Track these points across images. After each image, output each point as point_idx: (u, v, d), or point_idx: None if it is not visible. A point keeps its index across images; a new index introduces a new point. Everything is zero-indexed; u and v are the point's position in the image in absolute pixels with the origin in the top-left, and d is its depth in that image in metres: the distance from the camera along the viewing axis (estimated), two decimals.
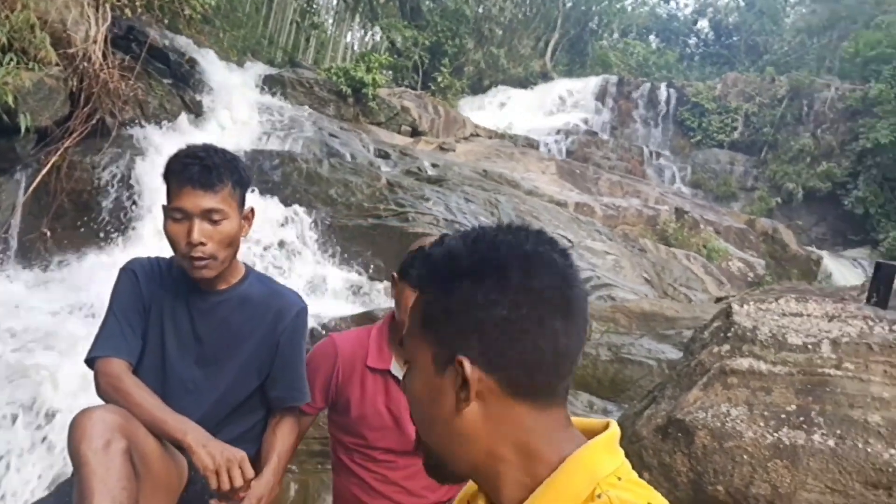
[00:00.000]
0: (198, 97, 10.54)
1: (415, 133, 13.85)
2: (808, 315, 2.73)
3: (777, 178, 17.89)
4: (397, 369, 2.04)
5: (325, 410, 2.17)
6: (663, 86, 20.72)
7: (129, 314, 1.97)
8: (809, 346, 2.60)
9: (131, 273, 2.02)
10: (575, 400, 4.20)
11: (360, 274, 7.76)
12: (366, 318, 5.66)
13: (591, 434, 0.99)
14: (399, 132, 13.42)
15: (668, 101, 20.15)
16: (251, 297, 2.03)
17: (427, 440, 1.02)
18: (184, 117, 9.96)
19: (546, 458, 0.95)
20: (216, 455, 1.76)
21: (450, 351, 0.95)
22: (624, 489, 0.93)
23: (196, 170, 1.89)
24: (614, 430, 1.00)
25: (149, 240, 6.79)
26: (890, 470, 2.32)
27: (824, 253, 13.78)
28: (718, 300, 8.52)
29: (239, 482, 1.77)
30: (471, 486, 1.12)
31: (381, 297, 7.29)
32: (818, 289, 10.34)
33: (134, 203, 7.17)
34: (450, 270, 0.96)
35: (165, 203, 1.94)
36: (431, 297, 0.98)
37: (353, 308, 6.70)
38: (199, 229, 1.87)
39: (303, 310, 2.08)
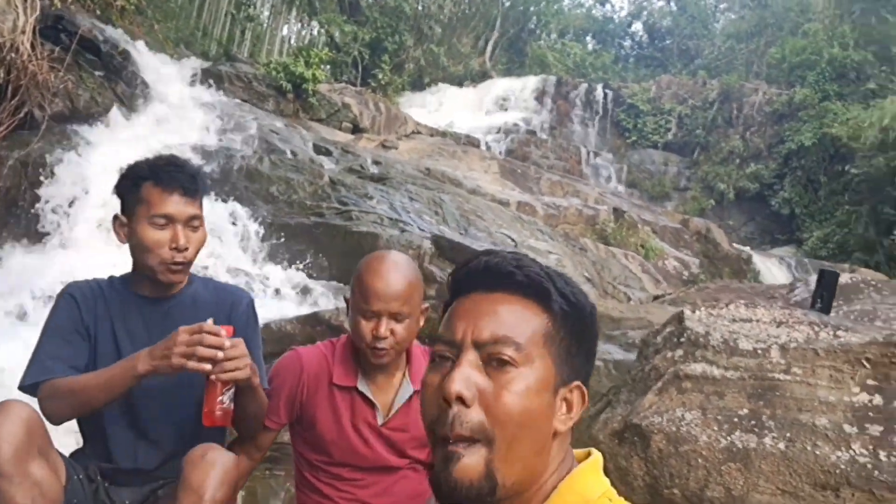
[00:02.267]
0: (131, 90, 10.21)
1: (356, 130, 13.73)
2: (758, 320, 2.81)
3: (709, 178, 18.44)
4: (364, 385, 2.00)
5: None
6: (600, 87, 21.10)
7: (67, 334, 1.96)
8: (759, 352, 2.67)
9: (69, 297, 2.01)
10: None
11: (303, 273, 7.64)
12: (312, 320, 5.57)
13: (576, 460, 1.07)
14: (340, 129, 13.28)
15: (604, 102, 20.53)
16: (201, 297, 2.07)
17: (514, 445, 0.95)
18: (116, 111, 9.63)
19: (553, 483, 1.01)
20: (174, 350, 1.73)
21: (570, 375, 1.02)
22: None
23: (183, 177, 1.95)
24: (598, 456, 1.07)
25: (86, 241, 6.52)
26: (837, 472, 2.40)
27: (753, 252, 14.26)
28: (656, 298, 8.73)
29: (218, 340, 1.74)
30: None
31: (325, 298, 7.19)
32: (749, 287, 10.66)
33: (69, 201, 6.88)
34: (580, 302, 1.04)
35: (130, 209, 1.95)
36: (564, 319, 1.02)
37: (297, 309, 6.59)
38: (184, 235, 1.93)
39: (251, 301, 2.13)
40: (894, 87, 16.65)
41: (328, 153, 10.72)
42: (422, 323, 2.00)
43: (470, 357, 0.97)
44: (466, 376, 0.96)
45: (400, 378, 2.03)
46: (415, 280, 1.96)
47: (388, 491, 2.02)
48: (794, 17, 23.22)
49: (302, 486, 2.04)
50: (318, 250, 7.92)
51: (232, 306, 2.07)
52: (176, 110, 10.32)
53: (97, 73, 9.75)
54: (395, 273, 1.92)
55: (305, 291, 7.35)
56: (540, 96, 20.73)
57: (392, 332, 1.91)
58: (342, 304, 7.12)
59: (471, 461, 0.94)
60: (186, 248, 1.94)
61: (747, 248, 14.19)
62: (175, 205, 1.93)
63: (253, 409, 1.95)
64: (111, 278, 2.10)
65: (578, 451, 1.07)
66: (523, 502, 1.00)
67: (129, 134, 9.14)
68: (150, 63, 10.97)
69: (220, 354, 1.74)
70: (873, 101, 16.33)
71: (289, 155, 9.78)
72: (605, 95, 20.59)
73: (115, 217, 2.02)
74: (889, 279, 10.23)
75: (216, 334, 1.75)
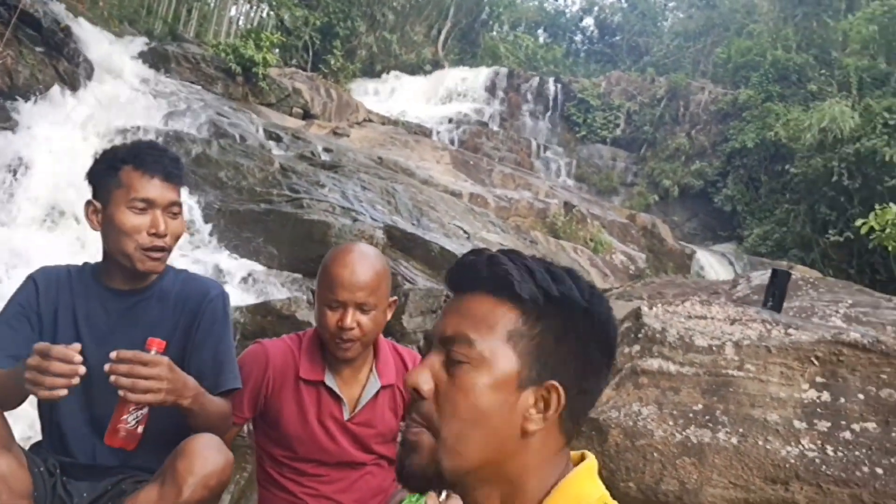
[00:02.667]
0: (73, 68, 9.86)
1: (307, 116, 13.53)
2: (712, 318, 2.87)
3: (655, 174, 18.78)
4: (331, 380, 1.97)
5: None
6: (551, 80, 21.25)
7: (14, 320, 1.91)
8: (714, 348, 2.73)
9: (30, 282, 1.98)
10: None
11: (252, 262, 7.51)
12: (262, 309, 5.49)
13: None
14: (290, 114, 13.07)
15: (555, 96, 20.68)
16: (168, 291, 2.00)
17: (451, 436, 0.98)
18: (57, 89, 9.29)
19: (544, 486, 1.00)
20: (24, 374, 1.62)
21: (544, 373, 0.98)
22: None
23: (166, 161, 1.90)
24: (593, 460, 1.06)
25: (29, 221, 6.28)
26: (787, 466, 2.48)
27: (696, 247, 14.60)
28: (604, 292, 8.87)
29: (61, 352, 1.61)
30: None
31: (275, 288, 7.09)
32: (693, 282, 10.92)
33: (6, 180, 6.61)
34: (566, 298, 0.99)
35: (106, 194, 1.89)
36: (540, 316, 0.99)
37: (245, 297, 6.47)
38: (164, 221, 1.89)
39: (220, 294, 2.04)
40: (833, 91, 17.20)
41: (278, 139, 10.54)
42: (389, 316, 1.97)
43: (436, 353, 1.02)
44: (427, 370, 1.01)
45: (367, 373, 2.01)
46: (382, 271, 1.94)
47: (353, 487, 2.00)
48: (740, 19, 23.78)
49: (264, 483, 2.00)
50: (268, 238, 7.78)
51: (200, 300, 1.99)
52: (121, 90, 10.02)
53: (38, 49, 9.38)
54: (363, 263, 1.90)
55: (254, 280, 7.22)
56: (491, 88, 20.78)
57: (358, 323, 1.88)
58: (293, 294, 7.03)
59: (419, 447, 0.99)
60: (165, 235, 1.89)
61: (691, 245, 14.53)
62: (156, 189, 1.89)
63: (201, 425, 1.88)
64: (84, 265, 2.04)
65: (573, 454, 1.05)
66: (504, 498, 1.00)
67: (72, 113, 8.83)
68: (94, 40, 10.61)
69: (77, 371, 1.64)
70: (813, 104, 16.86)
71: (238, 140, 9.59)
72: (556, 89, 20.75)
73: (89, 202, 1.94)
74: (824, 276, 10.61)
75: (133, 361, 1.67)
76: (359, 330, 1.88)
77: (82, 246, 6.96)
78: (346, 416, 1.98)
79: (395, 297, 2.04)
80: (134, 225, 1.87)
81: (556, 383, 0.98)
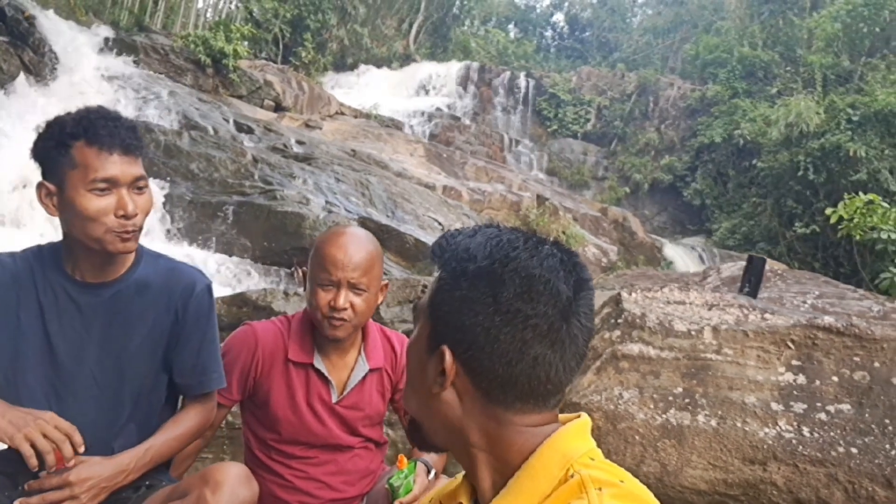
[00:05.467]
0: (38, 58, 9.67)
1: (278, 108, 13.43)
2: (691, 303, 2.91)
3: (625, 168, 18.98)
4: (320, 362, 1.97)
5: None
6: (522, 75, 21.34)
7: None
8: (693, 333, 2.77)
9: None
10: None
11: (225, 253, 7.45)
12: (238, 301, 5.43)
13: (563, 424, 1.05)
14: (262, 107, 12.96)
15: (526, 91, 20.77)
16: (149, 281, 1.80)
17: (407, 404, 1.08)
18: (23, 78, 9.11)
19: (518, 446, 0.99)
20: (18, 421, 1.53)
21: (440, 337, 1.00)
22: (596, 468, 0.97)
23: (123, 132, 1.65)
24: (585, 419, 1.06)
25: None
26: (765, 447, 2.53)
27: (666, 240, 14.78)
28: None
29: (58, 436, 1.56)
30: (445, 486, 1.13)
31: (249, 278, 7.04)
32: (664, 274, 11.05)
33: None
34: (461, 265, 1.00)
35: (59, 175, 1.64)
36: (442, 282, 1.02)
37: (220, 289, 6.42)
38: (132, 199, 1.66)
39: (206, 287, 1.86)
40: (798, 87, 17.51)
41: (250, 131, 10.45)
42: (381, 299, 1.97)
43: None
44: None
45: (355, 356, 2.01)
46: (375, 253, 1.93)
47: (341, 469, 2.00)
48: (708, 16, 24.09)
49: (252, 465, 1.98)
50: (241, 230, 7.73)
51: (184, 292, 1.81)
52: (88, 81, 9.85)
53: (1, 38, 9.19)
54: (356, 244, 1.89)
55: (228, 271, 7.17)
56: (463, 82, 20.79)
57: (351, 304, 1.87)
58: (267, 285, 6.98)
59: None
60: (135, 214, 1.66)
61: (661, 238, 14.71)
62: (116, 166, 1.63)
63: (174, 455, 1.85)
64: (39, 251, 1.78)
65: (566, 416, 1.05)
66: (464, 463, 1.04)
67: (38, 102, 8.67)
68: (60, 30, 10.42)
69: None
70: (779, 100, 17.15)
71: (210, 132, 9.49)
72: (528, 84, 20.84)
73: (41, 185, 1.68)
74: (790, 268, 10.82)
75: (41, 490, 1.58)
76: (351, 311, 1.88)
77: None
78: (334, 399, 1.98)
79: (387, 281, 2.04)
80: (99, 208, 1.63)
81: (444, 347, 0.98)
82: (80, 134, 1.63)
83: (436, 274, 1.05)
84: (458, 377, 0.98)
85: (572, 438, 1.00)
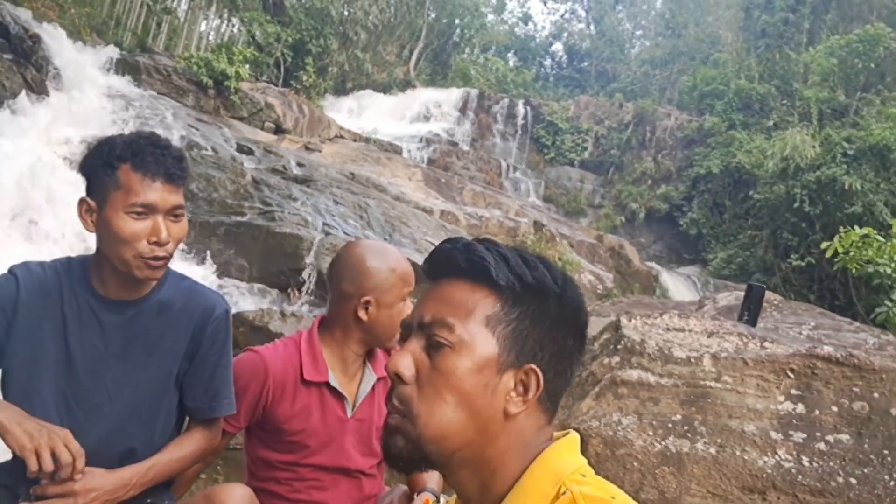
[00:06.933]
0: (41, 76, 9.73)
1: (278, 131, 13.50)
2: (690, 330, 2.92)
3: (622, 197, 19.05)
4: (334, 380, 1.97)
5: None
6: (521, 103, 21.48)
7: None
8: (692, 360, 2.78)
9: (11, 275, 1.76)
10: None
11: (222, 274, 7.44)
12: (235, 321, 5.43)
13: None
14: (262, 129, 13.03)
15: (525, 118, 20.91)
16: (170, 302, 1.83)
17: (433, 419, 1.00)
18: (24, 97, 9.15)
19: (521, 461, 1.02)
20: (34, 432, 1.55)
21: (522, 357, 1.01)
22: (588, 485, 0.98)
23: (169, 161, 1.70)
24: (574, 435, 1.08)
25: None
26: (764, 476, 2.52)
27: (662, 269, 14.80)
28: None
29: (67, 458, 1.56)
30: None
31: (245, 299, 7.03)
32: (660, 303, 11.00)
33: None
34: (540, 284, 1.02)
35: (102, 194, 1.69)
36: (513, 301, 1.02)
37: None
38: (166, 227, 1.70)
39: (226, 312, 1.89)
40: (794, 121, 17.67)
41: (250, 152, 10.50)
42: None
43: (416, 339, 1.04)
44: (408, 355, 1.03)
45: (361, 368, 2.03)
46: None
47: (347, 494, 2.00)
48: (705, 48, 24.36)
49: (256, 490, 1.97)
50: (239, 250, 7.73)
51: (202, 316, 1.83)
52: (90, 100, 9.90)
53: (5, 56, 9.25)
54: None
55: (225, 292, 7.16)
56: (462, 108, 20.93)
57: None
58: (264, 305, 6.96)
59: (400, 432, 1.01)
60: (167, 243, 1.70)
61: (656, 266, 14.73)
62: (158, 193, 1.68)
63: (174, 476, 1.85)
64: (70, 263, 1.82)
65: (558, 434, 1.07)
66: (485, 479, 1.02)
67: (40, 120, 8.70)
68: (63, 49, 10.50)
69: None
70: (775, 132, 17.29)
71: (210, 152, 9.53)
72: (526, 112, 20.98)
73: (82, 201, 1.73)
74: (786, 300, 10.84)
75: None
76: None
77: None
78: (349, 414, 1.99)
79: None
80: (133, 232, 1.68)
81: (534, 367, 1.00)
82: (128, 157, 1.69)
83: (476, 284, 1.02)
84: (535, 393, 1.01)
85: (563, 455, 1.02)
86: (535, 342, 1.01)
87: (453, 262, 1.04)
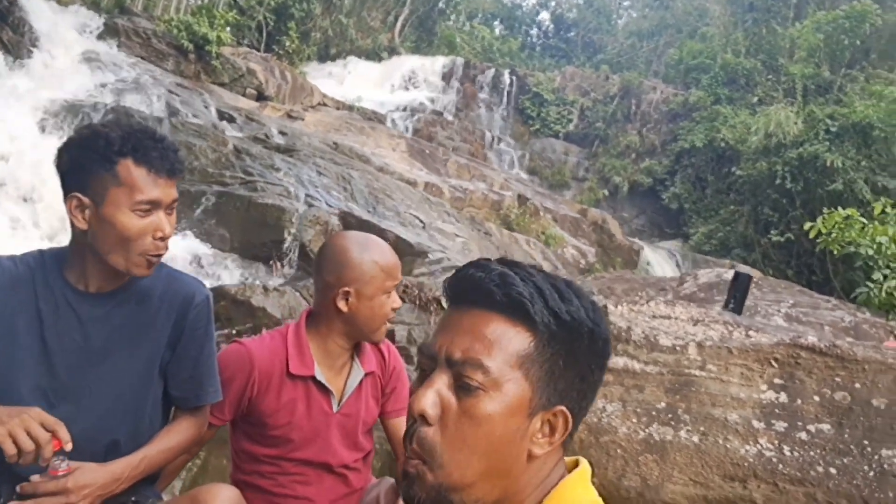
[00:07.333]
0: (18, 38, 9.48)
1: (260, 97, 13.29)
2: (676, 318, 2.92)
3: (606, 170, 19.06)
4: (320, 374, 1.95)
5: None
6: (507, 73, 21.32)
7: None
8: (678, 348, 2.78)
9: None
10: None
11: (203, 244, 7.35)
12: (216, 294, 5.38)
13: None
14: (244, 95, 12.82)
15: (510, 89, 20.76)
16: (150, 292, 1.78)
17: (457, 469, 0.94)
18: (0, 58, 8.92)
19: (539, 496, 0.99)
20: (3, 417, 1.50)
21: (553, 398, 0.96)
22: None
23: (172, 156, 1.67)
24: (586, 466, 1.04)
25: None
26: (745, 464, 2.54)
27: (644, 244, 14.87)
28: None
29: (43, 435, 1.51)
30: None
31: (227, 271, 6.96)
32: (641, 278, 11.05)
33: None
34: (576, 321, 0.97)
35: (99, 190, 1.63)
36: (551, 339, 0.96)
37: None
38: (168, 222, 1.67)
39: (206, 298, 1.86)
40: (779, 97, 17.69)
41: (232, 120, 10.33)
42: None
43: (442, 375, 0.96)
44: (434, 394, 0.95)
45: (349, 362, 2.01)
46: None
47: (331, 489, 1.99)
48: (692, 21, 24.23)
49: (240, 481, 1.95)
50: (220, 221, 7.63)
51: (184, 303, 1.80)
52: (68, 63, 9.67)
53: None
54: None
55: (205, 263, 7.08)
56: (447, 77, 20.73)
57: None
58: (246, 279, 6.91)
59: (420, 480, 0.95)
60: (170, 237, 1.69)
61: (638, 241, 14.80)
62: (162, 189, 1.65)
63: (164, 465, 1.83)
64: (42, 256, 1.76)
65: (567, 460, 1.04)
66: None
67: (16, 82, 8.50)
68: (41, 10, 10.22)
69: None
70: (759, 108, 17.32)
71: (190, 119, 9.36)
72: (512, 82, 20.83)
73: (73, 197, 1.65)
74: (765, 276, 10.94)
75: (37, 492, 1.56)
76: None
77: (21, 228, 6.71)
78: (335, 409, 1.97)
79: None
80: (140, 229, 1.64)
81: (564, 409, 0.96)
82: (129, 152, 1.63)
83: (509, 322, 0.96)
84: (558, 437, 0.98)
85: (577, 487, 1.00)
86: (566, 382, 0.96)
87: (486, 294, 0.96)
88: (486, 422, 0.93)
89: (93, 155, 1.63)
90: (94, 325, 1.73)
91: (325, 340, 1.96)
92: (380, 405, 2.09)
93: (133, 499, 1.76)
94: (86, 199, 1.64)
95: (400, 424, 2.07)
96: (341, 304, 1.90)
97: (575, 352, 0.96)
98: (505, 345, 0.94)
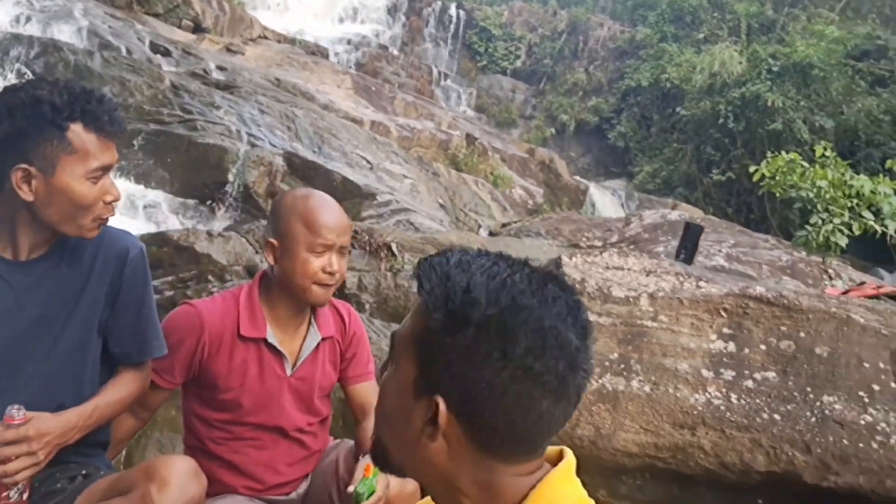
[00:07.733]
0: None
1: (197, 29, 12.70)
2: (629, 269, 2.94)
3: (553, 108, 18.99)
4: (272, 336, 1.89)
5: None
6: (453, 6, 20.81)
7: None
8: (630, 299, 2.80)
9: None
10: (389, 332, 4.24)
11: (140, 186, 7.09)
12: (158, 240, 5.19)
13: (548, 462, 1.00)
14: (180, 27, 12.23)
15: (457, 23, 20.33)
16: (80, 250, 1.73)
17: (381, 436, 1.02)
18: None
19: (509, 494, 0.94)
20: None
21: (431, 385, 0.93)
22: None
23: (119, 118, 1.62)
24: (571, 459, 1.00)
25: None
26: (695, 413, 2.61)
27: (591, 183, 14.99)
28: (504, 226, 9.00)
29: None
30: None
31: (168, 216, 6.75)
32: (588, 219, 11.15)
33: None
34: (463, 310, 0.90)
35: (47, 157, 1.54)
36: (436, 323, 0.92)
37: (137, 225, 6.12)
38: (114, 183, 1.65)
39: (141, 250, 1.83)
40: (723, 35, 17.77)
41: (167, 53, 9.87)
42: None
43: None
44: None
45: (306, 326, 1.95)
46: None
47: (287, 453, 1.95)
48: None
49: (193, 449, 1.91)
50: (159, 161, 7.36)
51: (118, 259, 1.76)
52: None
53: None
54: (336, 206, 1.90)
55: (145, 206, 6.84)
56: (392, 10, 20.15)
57: (339, 266, 1.87)
58: (187, 223, 6.71)
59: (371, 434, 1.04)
60: (119, 198, 1.66)
61: (584, 180, 14.90)
62: (112, 153, 1.63)
63: (112, 419, 1.79)
64: None
65: (551, 450, 1.00)
66: (452, 501, 0.97)
67: None
68: None
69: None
70: (705, 46, 17.39)
71: (123, 52, 8.90)
72: (459, 15, 20.39)
73: (19, 168, 1.56)
74: (706, 214, 11.18)
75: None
76: (339, 273, 1.87)
77: None
78: (288, 372, 1.92)
79: None
80: (95, 196, 1.60)
81: (438, 399, 0.91)
82: (77, 116, 1.57)
83: (420, 302, 0.95)
84: (449, 426, 0.91)
85: (561, 484, 0.96)
86: (440, 370, 0.91)
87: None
88: (385, 392, 1.00)
89: (38, 122, 1.54)
90: (27, 293, 1.67)
91: (274, 302, 1.90)
92: (339, 370, 2.04)
93: (83, 472, 1.71)
94: (33, 170, 1.56)
95: (360, 390, 2.03)
96: (270, 259, 1.86)
97: (454, 338, 0.90)
98: (411, 324, 0.97)
